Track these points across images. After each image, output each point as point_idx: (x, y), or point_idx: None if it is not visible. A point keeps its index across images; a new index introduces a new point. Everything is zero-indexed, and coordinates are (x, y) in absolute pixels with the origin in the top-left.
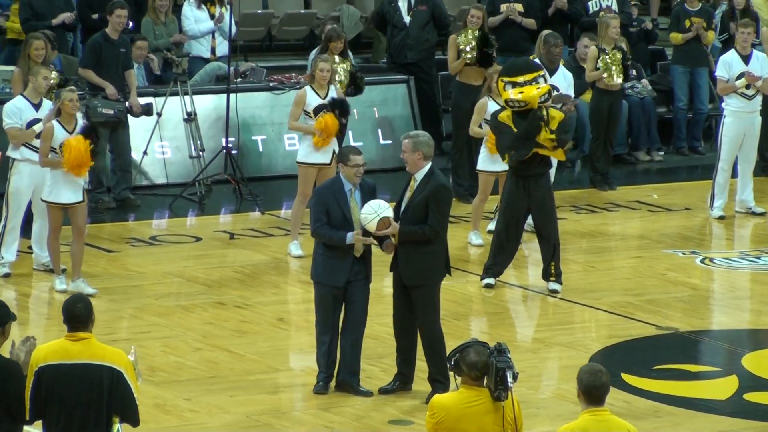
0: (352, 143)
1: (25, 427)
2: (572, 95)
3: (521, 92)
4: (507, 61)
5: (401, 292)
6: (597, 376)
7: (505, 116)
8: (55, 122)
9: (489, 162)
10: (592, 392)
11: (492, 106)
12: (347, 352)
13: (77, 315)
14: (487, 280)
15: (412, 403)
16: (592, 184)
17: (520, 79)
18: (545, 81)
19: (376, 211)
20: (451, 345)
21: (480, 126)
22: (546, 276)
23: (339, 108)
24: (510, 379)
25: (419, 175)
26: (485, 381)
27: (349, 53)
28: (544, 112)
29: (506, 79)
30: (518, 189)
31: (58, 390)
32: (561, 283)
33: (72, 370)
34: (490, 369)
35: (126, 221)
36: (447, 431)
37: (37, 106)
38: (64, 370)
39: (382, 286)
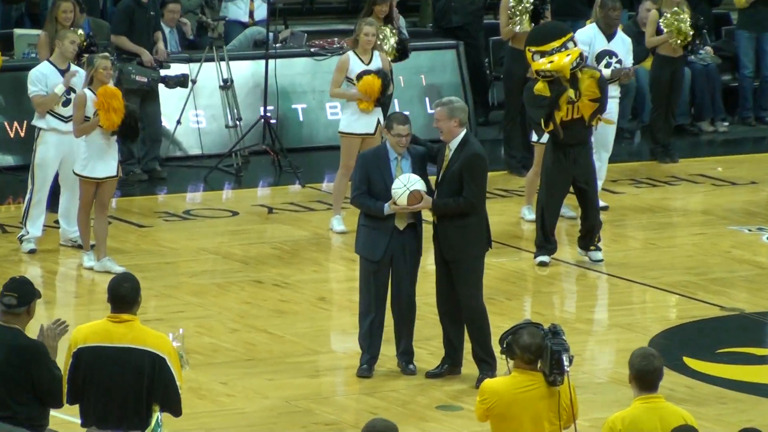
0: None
1: (53, 412)
2: (631, 62)
3: (551, 61)
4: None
5: (443, 268)
6: (649, 360)
7: (541, 87)
8: (87, 90)
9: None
10: (644, 377)
11: None
12: (397, 332)
13: (123, 295)
14: (541, 258)
15: (460, 387)
16: (653, 156)
17: (548, 47)
18: (575, 44)
19: (405, 185)
20: (503, 326)
21: None
22: (585, 247)
23: (380, 79)
24: (566, 363)
25: (454, 144)
26: (539, 365)
27: (399, 17)
28: (579, 74)
29: (533, 48)
30: (561, 159)
31: (97, 373)
32: (600, 250)
33: (113, 353)
34: (544, 352)
35: (158, 194)
36: (498, 418)
37: (63, 72)
38: (105, 353)
39: (426, 263)
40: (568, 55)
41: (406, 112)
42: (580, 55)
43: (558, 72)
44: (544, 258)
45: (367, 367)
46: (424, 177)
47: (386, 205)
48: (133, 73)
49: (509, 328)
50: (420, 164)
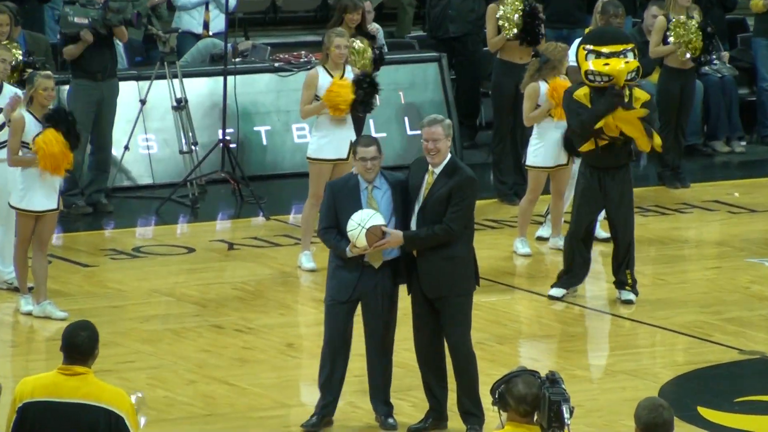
0: (374, 134)
1: None
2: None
3: (607, 64)
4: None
5: (423, 309)
6: (658, 411)
7: (582, 94)
8: (25, 113)
9: (540, 156)
10: (653, 431)
11: (544, 89)
12: (372, 381)
13: (78, 345)
14: (554, 290)
15: None
16: (661, 180)
17: (606, 49)
18: (634, 56)
19: (359, 224)
20: (493, 374)
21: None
22: (620, 284)
23: (365, 86)
24: (566, 415)
25: (439, 168)
26: (535, 417)
27: (376, 26)
28: (627, 91)
29: (589, 47)
30: (593, 183)
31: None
32: (636, 293)
33: (63, 409)
34: (541, 403)
35: (104, 229)
36: None
37: None
38: (54, 408)
39: (407, 305)
40: (626, 61)
41: (382, 134)
42: (637, 68)
43: (612, 77)
44: (556, 291)
45: (315, 420)
46: (407, 209)
47: (347, 247)
48: (71, 15)
49: (502, 377)
50: (401, 194)
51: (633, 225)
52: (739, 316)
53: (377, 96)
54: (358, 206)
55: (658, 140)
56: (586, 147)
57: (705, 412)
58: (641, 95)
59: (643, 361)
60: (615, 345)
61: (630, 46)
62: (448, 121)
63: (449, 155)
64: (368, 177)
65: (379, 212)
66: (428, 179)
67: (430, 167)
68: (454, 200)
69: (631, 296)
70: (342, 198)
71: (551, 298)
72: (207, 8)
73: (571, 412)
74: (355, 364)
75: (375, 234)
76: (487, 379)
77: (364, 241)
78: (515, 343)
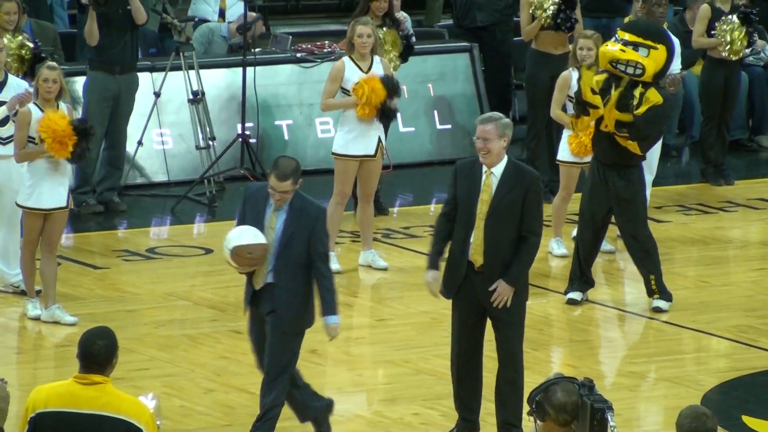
0: (402, 129)
1: None
2: (679, 67)
3: (623, 50)
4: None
5: (473, 320)
6: (701, 420)
7: (595, 80)
8: (32, 106)
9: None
10: None
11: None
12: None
13: (94, 354)
14: (571, 295)
15: None
16: (704, 177)
17: (628, 37)
18: (648, 54)
19: (226, 245)
20: (529, 382)
21: (564, 107)
22: (648, 292)
23: (386, 87)
24: (612, 423)
25: (499, 169)
26: (573, 426)
27: (403, 14)
28: (640, 89)
29: (620, 31)
30: (600, 179)
31: None
32: (668, 300)
33: (79, 420)
34: (581, 411)
35: (117, 229)
36: None
37: (1, 84)
38: (69, 420)
39: (440, 308)
40: (622, 49)
41: (410, 129)
42: (642, 66)
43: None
44: (575, 295)
45: None
46: (315, 246)
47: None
48: None
49: (539, 385)
50: (302, 221)
51: (643, 230)
52: None
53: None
54: (261, 219)
55: (633, 146)
56: (585, 130)
57: (750, 422)
58: (653, 97)
59: (685, 367)
60: (655, 350)
61: (653, 44)
62: (505, 120)
63: (505, 157)
64: (276, 206)
65: (273, 232)
66: (486, 181)
67: (485, 168)
68: (531, 206)
69: (661, 303)
70: (251, 205)
71: (571, 302)
72: None
73: None
74: (380, 372)
75: (241, 255)
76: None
77: (234, 262)
78: (550, 349)
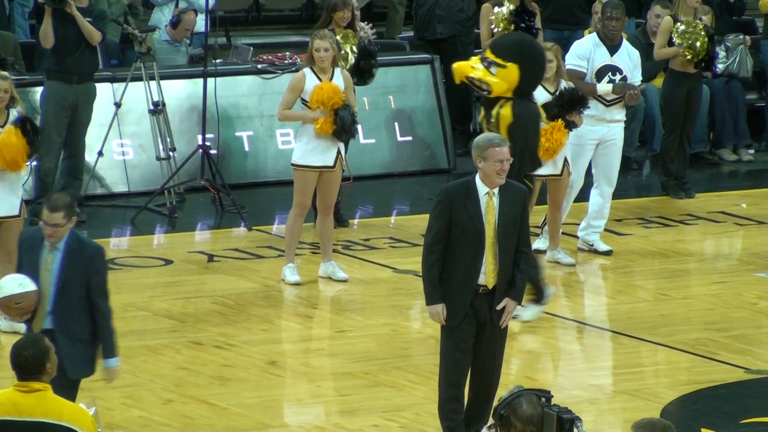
0: (363, 141)
1: None
2: (639, 79)
3: (473, 68)
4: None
5: (470, 343)
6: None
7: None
8: None
9: None
10: None
11: (538, 94)
12: None
13: (23, 365)
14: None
15: None
16: (665, 190)
17: (489, 54)
18: (518, 79)
19: None
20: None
21: None
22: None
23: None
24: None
25: (496, 189)
26: None
27: (364, 26)
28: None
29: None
30: None
31: None
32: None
33: (22, 428)
34: (546, 421)
35: None
36: None
37: None
38: (12, 428)
39: (398, 321)
40: (473, 66)
41: (371, 140)
42: (520, 89)
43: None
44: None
45: None
46: (94, 283)
47: None
48: None
49: (503, 398)
50: (86, 269)
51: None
52: (745, 333)
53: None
54: (37, 262)
55: None
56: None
57: None
58: (504, 114)
59: (644, 380)
60: (615, 363)
61: (503, 63)
62: None
63: None
64: (50, 244)
65: (50, 274)
66: (489, 202)
67: (490, 191)
68: (526, 221)
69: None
70: (26, 250)
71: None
72: (177, 4)
73: None
74: (339, 383)
75: (8, 306)
76: None
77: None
78: (509, 361)
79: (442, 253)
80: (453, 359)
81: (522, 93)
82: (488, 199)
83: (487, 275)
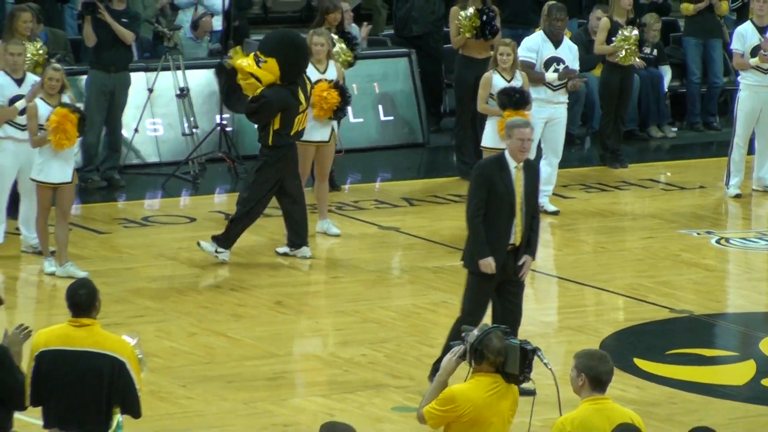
0: (352, 120)
1: (17, 414)
2: (577, 69)
3: (247, 62)
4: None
5: (505, 286)
6: (604, 360)
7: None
8: (38, 99)
9: (495, 138)
10: (602, 378)
11: (497, 80)
12: None
13: (78, 302)
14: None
15: (417, 389)
16: (603, 161)
17: (258, 52)
18: (279, 69)
19: None
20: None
21: (488, 101)
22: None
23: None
24: (545, 360)
25: (522, 163)
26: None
27: (354, 27)
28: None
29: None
30: None
31: (58, 376)
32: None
33: (73, 357)
34: (511, 352)
35: (117, 201)
36: (468, 424)
37: (19, 82)
38: (65, 356)
39: (381, 268)
40: (261, 68)
41: (360, 120)
42: (284, 76)
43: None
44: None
45: None
46: None
47: None
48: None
49: (478, 335)
50: None
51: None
52: (670, 279)
53: (349, 105)
54: None
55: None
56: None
57: (640, 363)
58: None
59: (586, 318)
60: (562, 304)
61: (264, 58)
62: None
63: None
64: None
65: None
66: (518, 175)
67: (516, 164)
68: (538, 190)
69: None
70: None
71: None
72: (196, 8)
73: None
74: (334, 320)
75: None
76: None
77: None
78: None
79: (483, 218)
80: (481, 301)
81: (287, 80)
82: (517, 171)
83: (517, 235)
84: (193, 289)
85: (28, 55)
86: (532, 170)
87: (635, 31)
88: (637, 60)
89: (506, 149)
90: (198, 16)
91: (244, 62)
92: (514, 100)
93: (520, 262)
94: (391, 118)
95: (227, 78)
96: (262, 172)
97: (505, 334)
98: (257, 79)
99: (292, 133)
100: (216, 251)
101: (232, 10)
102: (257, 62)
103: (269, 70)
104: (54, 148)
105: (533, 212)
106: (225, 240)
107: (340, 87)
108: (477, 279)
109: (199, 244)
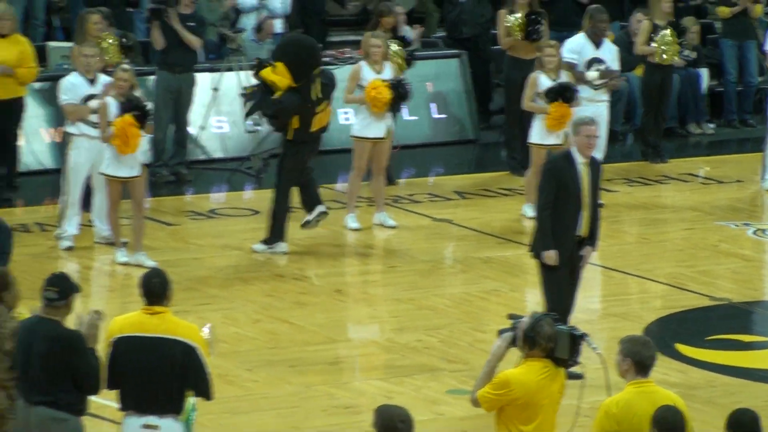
0: (406, 117)
1: (92, 397)
2: (618, 69)
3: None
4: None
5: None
6: (647, 346)
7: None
8: (109, 98)
9: (541, 135)
10: (645, 362)
11: (543, 81)
12: None
13: (152, 290)
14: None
15: (470, 373)
16: (644, 157)
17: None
18: (289, 71)
19: None
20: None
21: (534, 100)
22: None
23: (397, 92)
24: (594, 345)
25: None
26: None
27: (408, 29)
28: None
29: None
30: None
31: (133, 362)
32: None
33: (147, 343)
34: (560, 338)
35: (184, 195)
36: (522, 407)
37: (92, 81)
38: (139, 342)
39: (436, 258)
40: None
41: (414, 118)
42: (297, 78)
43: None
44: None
45: None
46: None
47: None
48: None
49: (530, 323)
50: None
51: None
52: (709, 269)
53: (407, 100)
54: None
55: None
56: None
57: (682, 348)
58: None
59: (630, 305)
60: (607, 292)
61: (273, 63)
62: None
63: None
64: None
65: None
66: (585, 170)
67: (580, 160)
68: (599, 185)
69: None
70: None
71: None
72: (259, 12)
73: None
74: (390, 307)
75: None
76: (503, 320)
77: None
78: (524, 291)
79: (551, 211)
80: (559, 292)
81: (300, 79)
82: (584, 167)
83: (583, 227)
84: (258, 278)
85: (110, 41)
86: (596, 166)
87: (668, 30)
88: (676, 59)
89: (573, 145)
90: (261, 19)
91: (264, 72)
92: (565, 95)
93: (582, 253)
94: (444, 116)
95: (252, 98)
96: (284, 164)
97: (555, 321)
98: (275, 85)
99: (312, 131)
100: (269, 249)
101: (293, 15)
102: (273, 69)
103: (281, 74)
104: (120, 153)
105: (595, 206)
106: (272, 237)
107: (394, 83)
108: (549, 271)
109: (252, 249)
